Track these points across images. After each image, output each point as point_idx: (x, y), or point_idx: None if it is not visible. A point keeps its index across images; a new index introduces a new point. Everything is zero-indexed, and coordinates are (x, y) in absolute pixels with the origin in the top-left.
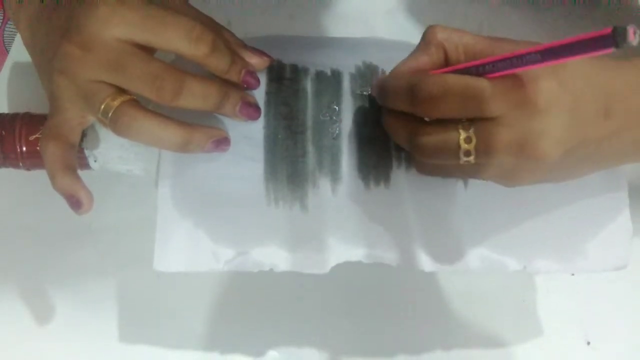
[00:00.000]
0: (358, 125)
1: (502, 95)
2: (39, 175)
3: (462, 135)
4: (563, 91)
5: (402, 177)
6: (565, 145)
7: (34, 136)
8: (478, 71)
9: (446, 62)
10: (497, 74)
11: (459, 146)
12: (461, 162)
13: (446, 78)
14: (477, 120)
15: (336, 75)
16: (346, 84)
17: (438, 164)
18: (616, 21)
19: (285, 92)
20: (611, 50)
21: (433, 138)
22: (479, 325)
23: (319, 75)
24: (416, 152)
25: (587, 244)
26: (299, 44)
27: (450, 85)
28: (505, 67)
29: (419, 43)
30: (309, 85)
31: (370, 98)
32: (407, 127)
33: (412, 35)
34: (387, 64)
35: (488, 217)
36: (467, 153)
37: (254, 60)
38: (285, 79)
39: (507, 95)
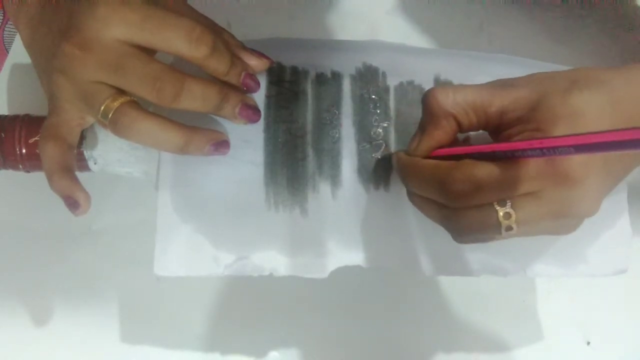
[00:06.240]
0: (358, 128)
1: (536, 176)
2: (39, 177)
3: (501, 212)
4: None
5: None
6: (605, 194)
7: (34, 139)
8: (506, 155)
9: (459, 126)
10: (526, 158)
11: (499, 223)
12: (503, 235)
13: (475, 173)
14: (513, 196)
15: (336, 77)
16: (346, 86)
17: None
18: (616, 22)
19: (286, 95)
20: None
21: (471, 220)
22: (479, 325)
23: (319, 78)
24: (454, 234)
25: (587, 249)
26: (299, 45)
27: (481, 180)
28: (536, 155)
29: (425, 114)
30: (309, 88)
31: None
32: (440, 211)
33: (412, 36)
34: (387, 66)
35: None
36: (509, 227)
37: (254, 62)
38: (285, 82)
39: (542, 175)
